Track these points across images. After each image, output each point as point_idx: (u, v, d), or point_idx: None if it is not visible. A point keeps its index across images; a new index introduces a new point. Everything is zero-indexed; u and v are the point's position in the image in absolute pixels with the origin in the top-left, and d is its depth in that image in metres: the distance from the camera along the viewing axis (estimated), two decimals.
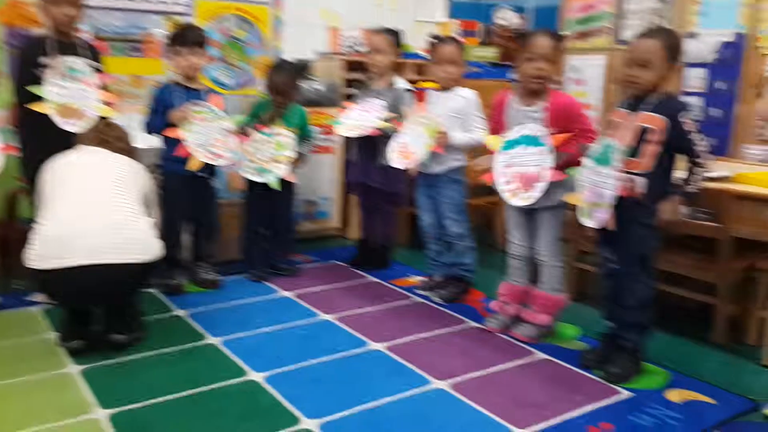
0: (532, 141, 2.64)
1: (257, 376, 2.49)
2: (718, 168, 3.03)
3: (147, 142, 3.34)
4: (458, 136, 3.14)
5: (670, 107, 2.34)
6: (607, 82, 4.72)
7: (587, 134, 2.67)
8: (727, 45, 4.09)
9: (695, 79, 4.25)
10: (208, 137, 3.20)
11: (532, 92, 2.72)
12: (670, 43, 2.34)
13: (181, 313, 3.08)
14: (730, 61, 4.07)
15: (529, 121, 2.69)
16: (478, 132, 3.15)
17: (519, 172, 2.67)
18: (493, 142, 2.77)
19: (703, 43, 4.19)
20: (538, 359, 2.69)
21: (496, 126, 2.88)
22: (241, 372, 2.53)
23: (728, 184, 2.77)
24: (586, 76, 4.84)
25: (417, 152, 3.17)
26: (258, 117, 3.47)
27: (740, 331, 2.94)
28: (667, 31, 2.46)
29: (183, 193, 3.27)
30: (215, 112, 3.23)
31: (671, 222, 2.35)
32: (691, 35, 4.24)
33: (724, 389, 2.46)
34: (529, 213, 2.83)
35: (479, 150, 3.11)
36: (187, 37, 3.24)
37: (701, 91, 4.23)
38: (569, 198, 2.61)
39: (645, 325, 2.52)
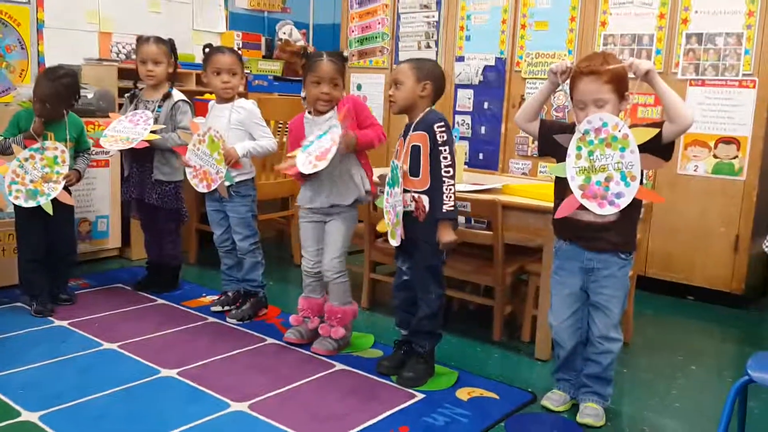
0: (321, 135, 2.72)
1: (31, 416, 2.23)
2: (490, 180, 3.31)
3: None
4: (245, 146, 3.09)
5: (427, 122, 2.52)
6: (388, 95, 4.96)
7: (376, 127, 2.82)
8: (489, 68, 4.49)
9: (464, 99, 4.62)
10: None
11: (320, 111, 2.80)
12: (419, 65, 2.54)
13: None
14: (494, 83, 4.48)
15: (324, 126, 2.75)
16: (265, 139, 3.15)
17: (317, 152, 2.69)
18: (294, 152, 2.79)
19: (468, 65, 4.57)
20: (337, 371, 2.72)
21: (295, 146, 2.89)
22: (12, 413, 2.25)
23: (498, 195, 3.00)
24: (368, 93, 5.04)
25: (213, 172, 3.08)
26: (20, 130, 3.11)
27: (516, 329, 3.23)
28: (420, 58, 2.68)
29: None
30: None
31: (450, 244, 2.50)
32: (460, 59, 4.60)
33: (506, 384, 2.67)
34: (322, 224, 2.87)
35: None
36: None
37: (469, 110, 4.61)
38: (379, 226, 2.71)
39: (436, 332, 2.67)
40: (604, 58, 2.22)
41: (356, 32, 5.13)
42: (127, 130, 3.28)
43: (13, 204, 3.13)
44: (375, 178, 2.92)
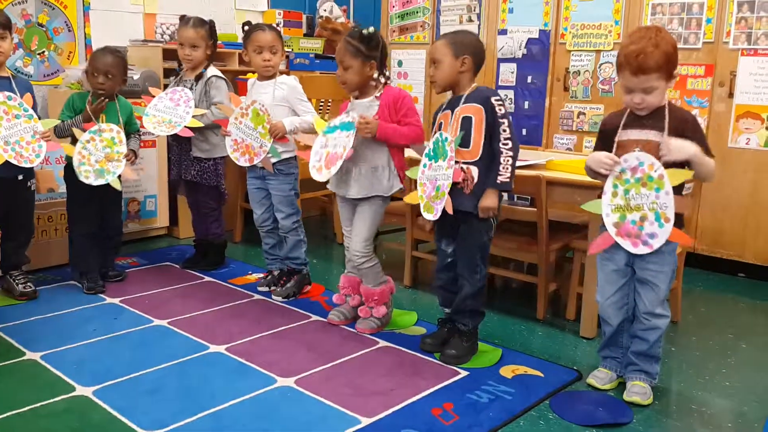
0: (346, 126, 2.68)
1: (86, 391, 2.30)
2: (533, 156, 3.27)
3: None
4: (292, 121, 3.09)
5: (482, 95, 2.50)
6: (429, 75, 4.92)
7: (413, 126, 2.71)
8: (533, 41, 4.41)
9: (507, 73, 4.55)
10: (15, 136, 2.87)
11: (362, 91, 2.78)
12: (455, 40, 2.50)
13: None
14: (537, 56, 4.40)
15: (360, 110, 2.73)
16: (309, 115, 3.13)
17: (329, 151, 2.70)
18: (319, 124, 2.78)
19: (511, 39, 4.49)
20: (380, 347, 2.74)
21: None
22: (67, 388, 2.32)
23: (542, 171, 2.96)
24: (409, 70, 5.01)
25: (256, 146, 3.09)
26: (76, 112, 3.18)
27: (560, 306, 3.20)
28: (456, 32, 2.58)
29: None
30: (27, 110, 2.93)
31: (490, 210, 2.48)
32: (503, 32, 4.53)
33: (550, 362, 2.65)
34: (354, 207, 2.86)
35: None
36: None
37: (512, 84, 4.54)
38: (408, 198, 2.69)
39: (479, 310, 2.66)
40: (654, 41, 2.14)
41: (397, 7, 5.08)
42: (168, 110, 3.30)
43: (67, 184, 3.23)
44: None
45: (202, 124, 3.27)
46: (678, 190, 2.19)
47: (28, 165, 2.91)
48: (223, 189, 3.58)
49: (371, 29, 2.72)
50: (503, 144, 2.45)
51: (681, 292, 3.11)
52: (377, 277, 2.90)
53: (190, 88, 3.38)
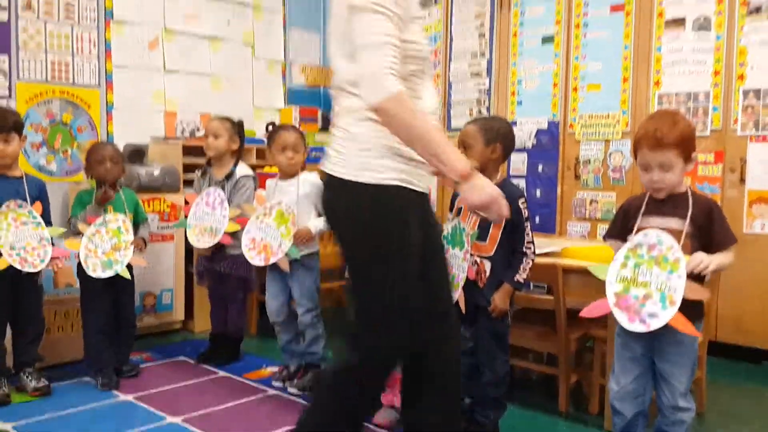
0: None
1: None
2: (548, 245, 3.26)
3: None
4: (317, 225, 3.13)
5: (509, 192, 2.49)
6: None
7: None
8: (542, 132, 4.50)
9: (518, 162, 4.62)
10: (21, 241, 2.97)
11: None
12: (487, 126, 2.54)
13: (7, 426, 2.73)
14: (547, 145, 4.48)
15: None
16: None
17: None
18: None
19: (521, 130, 4.59)
20: None
21: None
22: None
23: (557, 259, 2.95)
24: None
25: (275, 245, 3.13)
26: (85, 207, 3.26)
27: (582, 399, 3.11)
28: (488, 117, 2.65)
29: (2, 291, 2.98)
30: (35, 218, 3.03)
31: (501, 311, 2.48)
32: (512, 123, 4.63)
33: None
34: None
35: None
36: None
37: (523, 174, 4.60)
38: None
39: (501, 401, 2.60)
40: (672, 119, 2.15)
41: None
42: (207, 216, 3.41)
43: (80, 279, 3.26)
44: None
45: (239, 227, 3.34)
46: (699, 277, 2.12)
47: (31, 269, 2.98)
48: (253, 280, 3.60)
49: None
50: (527, 247, 2.50)
51: (705, 383, 3.03)
52: None
53: (222, 188, 3.47)
